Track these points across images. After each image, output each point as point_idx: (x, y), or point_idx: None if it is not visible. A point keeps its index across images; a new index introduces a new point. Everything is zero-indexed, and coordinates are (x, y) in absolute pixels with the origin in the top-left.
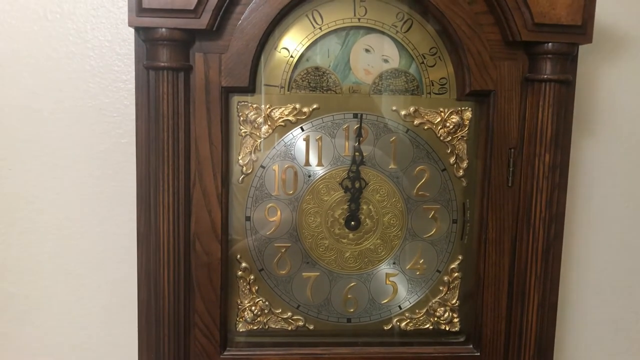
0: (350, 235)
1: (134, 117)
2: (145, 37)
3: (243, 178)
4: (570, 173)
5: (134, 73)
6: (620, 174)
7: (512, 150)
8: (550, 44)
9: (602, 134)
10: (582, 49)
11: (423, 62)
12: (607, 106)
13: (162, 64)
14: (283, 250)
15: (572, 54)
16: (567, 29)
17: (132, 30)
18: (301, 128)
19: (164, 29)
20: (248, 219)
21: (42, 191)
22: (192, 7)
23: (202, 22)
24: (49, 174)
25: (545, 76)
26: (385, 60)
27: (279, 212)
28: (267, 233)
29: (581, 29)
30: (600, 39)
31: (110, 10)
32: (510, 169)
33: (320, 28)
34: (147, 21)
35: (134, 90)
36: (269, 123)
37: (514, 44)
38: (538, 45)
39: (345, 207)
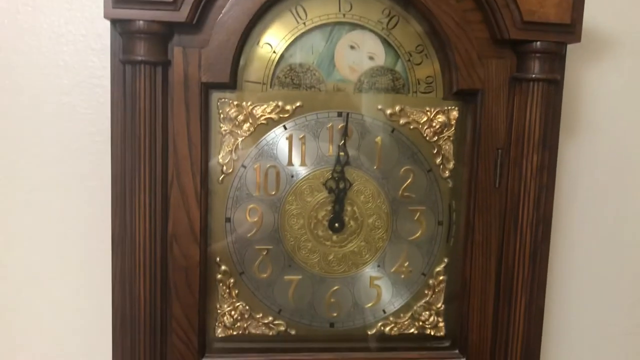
0: (334, 237)
1: (108, 114)
2: (122, 30)
3: (223, 178)
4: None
5: (109, 69)
6: (605, 174)
7: (500, 150)
8: (538, 42)
9: (586, 135)
10: (569, 49)
11: (409, 60)
12: (592, 107)
13: (139, 58)
14: (264, 253)
15: (561, 53)
16: (555, 27)
17: (107, 24)
18: (284, 126)
19: (141, 22)
20: (228, 220)
21: (11, 191)
22: None
23: (182, 14)
24: (19, 174)
25: (534, 75)
26: (371, 58)
27: (260, 214)
28: (248, 235)
29: (570, 27)
30: (585, 40)
31: (85, 4)
32: (498, 170)
33: (304, 23)
34: (124, 13)
35: (110, 87)
36: (251, 121)
37: (502, 43)
38: (526, 43)
39: (329, 208)
